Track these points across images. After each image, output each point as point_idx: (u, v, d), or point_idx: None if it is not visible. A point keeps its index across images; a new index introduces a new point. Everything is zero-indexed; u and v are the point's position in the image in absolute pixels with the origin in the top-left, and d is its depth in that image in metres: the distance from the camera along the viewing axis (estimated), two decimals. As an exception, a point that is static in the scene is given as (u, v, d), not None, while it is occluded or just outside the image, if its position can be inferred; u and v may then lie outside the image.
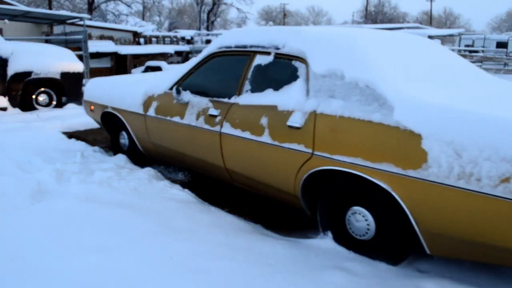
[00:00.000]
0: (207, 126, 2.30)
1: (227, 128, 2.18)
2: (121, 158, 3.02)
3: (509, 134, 1.34)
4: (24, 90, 5.51)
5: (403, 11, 44.02)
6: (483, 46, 16.29)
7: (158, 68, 10.28)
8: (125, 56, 12.11)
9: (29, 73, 5.46)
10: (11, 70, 5.35)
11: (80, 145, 3.44)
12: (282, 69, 2.09)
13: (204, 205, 2.30)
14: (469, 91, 1.84)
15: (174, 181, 2.79)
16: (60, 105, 5.87)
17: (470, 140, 1.39)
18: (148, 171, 2.71)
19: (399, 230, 1.65)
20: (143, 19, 28.57)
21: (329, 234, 1.89)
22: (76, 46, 7.88)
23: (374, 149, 1.61)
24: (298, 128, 1.86)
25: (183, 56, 13.90)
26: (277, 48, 2.09)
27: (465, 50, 15.13)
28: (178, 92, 2.45)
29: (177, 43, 16.01)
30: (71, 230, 1.80)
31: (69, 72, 5.79)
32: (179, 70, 2.64)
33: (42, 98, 5.75)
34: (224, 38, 2.44)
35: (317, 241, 1.90)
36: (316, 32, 2.05)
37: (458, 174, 1.40)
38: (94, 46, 10.92)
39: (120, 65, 12.20)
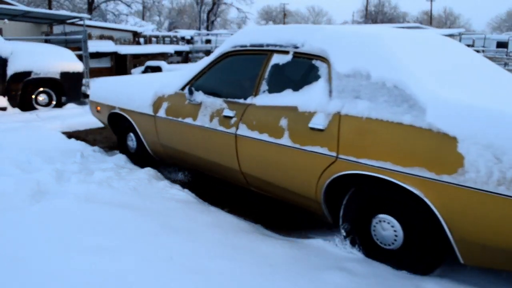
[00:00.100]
0: (221, 128, 2.21)
1: (243, 130, 2.10)
2: (120, 158, 3.02)
3: None
4: (23, 90, 5.50)
5: (403, 11, 44.08)
6: (483, 46, 16.30)
7: (158, 68, 10.26)
8: (125, 56, 12.09)
9: (28, 73, 5.46)
10: (10, 70, 5.35)
11: (80, 145, 3.44)
12: (302, 69, 2.02)
13: (204, 205, 2.30)
14: (501, 92, 1.76)
15: (174, 181, 2.78)
16: (59, 105, 5.86)
17: (511, 143, 1.31)
18: (148, 171, 2.70)
19: (429, 239, 1.56)
20: (143, 19, 28.55)
21: (348, 242, 1.81)
22: (76, 46, 7.87)
23: (405, 153, 1.52)
24: (321, 130, 1.77)
25: (183, 56, 13.88)
26: (296, 47, 2.01)
27: (465, 50, 15.06)
28: (191, 92, 2.37)
29: (177, 43, 15.99)
30: (71, 230, 1.80)
31: (68, 72, 5.79)
32: (190, 70, 2.56)
33: (42, 98, 5.75)
34: (239, 37, 2.34)
35: (317, 241, 1.90)
36: (338, 31, 1.96)
37: (498, 179, 1.32)
38: (94, 46, 10.91)
39: (120, 65, 12.19)
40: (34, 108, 5.65)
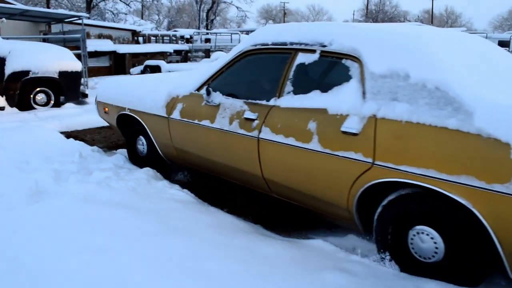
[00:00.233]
0: (242, 131, 2.09)
1: (266, 133, 1.98)
2: (119, 158, 3.01)
3: None
4: (21, 90, 5.48)
5: (404, 9, 44.15)
6: (483, 45, 16.23)
7: (157, 67, 10.24)
8: (123, 55, 12.07)
9: (26, 72, 5.44)
10: (8, 69, 5.33)
11: (79, 145, 3.42)
12: (330, 69, 1.94)
13: (203, 205, 2.29)
14: None
15: (173, 181, 2.77)
16: (58, 104, 5.85)
17: None
18: (147, 171, 2.69)
19: (475, 252, 1.45)
20: (142, 18, 28.50)
21: (388, 256, 1.68)
22: (74, 45, 7.84)
23: (450, 160, 1.41)
24: (354, 134, 1.66)
25: (182, 55, 13.87)
26: (323, 46, 1.89)
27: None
28: (208, 93, 2.25)
29: (176, 42, 15.97)
30: (70, 231, 1.79)
31: (67, 71, 5.77)
32: (207, 70, 2.44)
33: (40, 97, 5.73)
34: (259, 35, 2.21)
35: (317, 242, 1.89)
36: (370, 29, 1.86)
37: None
38: (93, 45, 10.89)
39: (119, 64, 12.17)
40: (32, 108, 5.63)
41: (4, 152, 2.99)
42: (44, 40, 8.73)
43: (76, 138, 3.86)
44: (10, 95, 5.41)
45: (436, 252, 1.54)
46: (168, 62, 11.49)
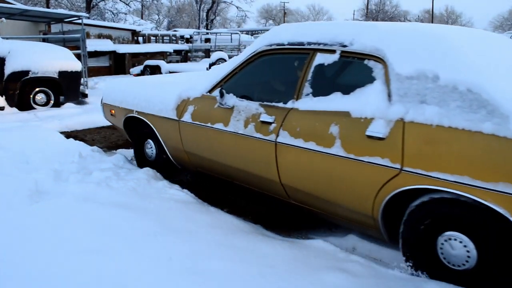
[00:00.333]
0: (258, 135, 2.01)
1: (284, 137, 1.90)
2: (119, 158, 3.00)
3: None
4: (21, 89, 5.48)
5: (404, 9, 44.17)
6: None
7: (157, 67, 10.24)
8: (123, 55, 12.07)
9: (26, 72, 5.44)
10: (8, 69, 5.33)
11: (78, 144, 3.42)
12: (352, 70, 1.88)
13: (203, 205, 2.28)
14: None
15: (173, 181, 2.77)
16: (58, 104, 5.84)
17: None
18: (147, 171, 2.69)
19: (510, 260, 1.39)
20: (141, 17, 28.49)
21: (415, 263, 1.59)
22: (74, 45, 7.84)
23: (486, 166, 1.35)
24: (381, 138, 1.58)
25: (182, 55, 13.86)
26: (344, 46, 1.82)
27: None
28: (222, 95, 2.17)
29: (176, 42, 15.96)
30: (69, 231, 1.79)
31: (67, 71, 5.77)
32: (219, 71, 2.36)
33: (40, 97, 5.73)
34: (274, 35, 2.13)
35: (317, 242, 1.89)
36: (395, 28, 1.79)
37: None
38: (92, 45, 10.88)
39: (119, 64, 12.17)
40: (32, 108, 5.63)
41: (4, 152, 2.98)
42: (44, 40, 8.72)
43: (76, 138, 3.86)
44: (10, 95, 5.41)
45: (468, 260, 1.47)
46: (168, 62, 11.49)
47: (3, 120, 4.70)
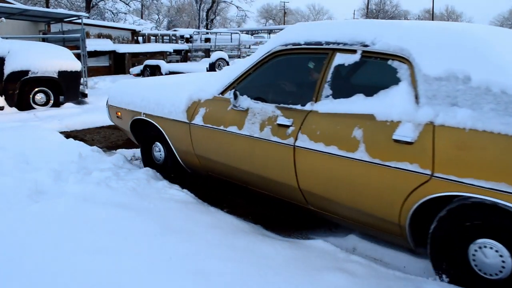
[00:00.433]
0: (275, 138, 1.94)
1: (303, 141, 1.83)
2: (119, 158, 3.00)
3: None
4: (21, 89, 5.48)
5: (404, 9, 44.04)
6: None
7: (157, 67, 10.24)
8: (123, 54, 12.06)
9: (26, 72, 5.43)
10: (7, 69, 5.32)
11: (78, 144, 3.42)
12: (374, 71, 1.83)
13: (203, 205, 2.28)
14: None
15: (173, 181, 2.77)
16: (57, 104, 5.84)
17: None
18: (147, 171, 2.69)
19: None
20: (141, 17, 28.49)
21: (445, 272, 1.52)
22: (73, 44, 7.83)
23: None
24: (409, 143, 1.51)
25: (182, 55, 13.85)
26: (365, 45, 1.75)
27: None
28: (236, 97, 2.09)
29: (176, 42, 15.95)
30: (69, 231, 1.79)
31: (66, 71, 5.76)
32: (230, 72, 2.28)
33: (40, 97, 5.72)
34: (289, 34, 2.06)
35: (318, 242, 1.88)
36: (420, 26, 1.72)
37: None
38: (92, 44, 10.87)
39: (118, 63, 12.16)
40: (32, 108, 5.63)
41: (3, 152, 2.98)
42: (44, 40, 8.72)
43: (75, 138, 3.85)
44: (9, 95, 5.40)
45: (503, 268, 1.41)
46: (167, 62, 11.49)
47: (3, 120, 4.70)
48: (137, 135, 2.96)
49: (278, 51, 2.06)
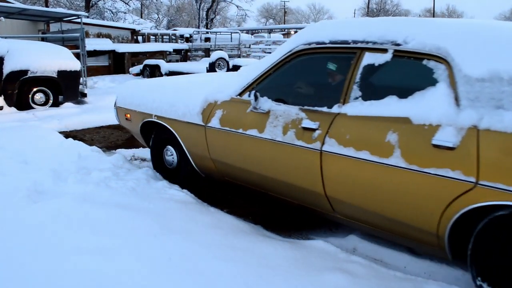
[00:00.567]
0: (300, 143, 1.84)
1: (331, 146, 1.73)
2: (118, 158, 3.00)
3: None
4: (20, 89, 5.47)
5: (405, 8, 43.92)
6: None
7: (157, 67, 10.22)
8: (123, 54, 12.04)
9: (25, 72, 5.42)
10: (6, 69, 5.31)
11: (77, 144, 3.41)
12: (408, 71, 1.74)
13: (203, 205, 2.28)
14: None
15: (172, 181, 2.76)
16: (57, 104, 5.83)
17: None
18: (146, 171, 2.68)
19: None
20: (141, 17, 28.46)
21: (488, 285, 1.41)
22: (73, 44, 7.82)
23: None
24: (450, 148, 1.42)
25: (182, 54, 13.84)
26: (397, 44, 1.66)
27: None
28: (256, 98, 2.00)
29: (176, 41, 15.92)
30: (68, 231, 1.78)
31: (66, 71, 5.75)
32: (249, 72, 2.19)
33: (39, 97, 5.71)
34: (312, 32, 1.97)
35: (318, 242, 1.88)
36: (458, 24, 1.63)
37: None
38: (92, 44, 10.85)
39: (118, 63, 12.14)
40: (31, 108, 5.62)
41: (3, 152, 2.97)
42: (43, 39, 8.69)
43: (75, 138, 3.85)
44: (9, 95, 5.39)
45: None
46: (167, 62, 11.47)
47: (2, 120, 4.69)
48: (147, 138, 2.83)
49: (300, 50, 1.97)
